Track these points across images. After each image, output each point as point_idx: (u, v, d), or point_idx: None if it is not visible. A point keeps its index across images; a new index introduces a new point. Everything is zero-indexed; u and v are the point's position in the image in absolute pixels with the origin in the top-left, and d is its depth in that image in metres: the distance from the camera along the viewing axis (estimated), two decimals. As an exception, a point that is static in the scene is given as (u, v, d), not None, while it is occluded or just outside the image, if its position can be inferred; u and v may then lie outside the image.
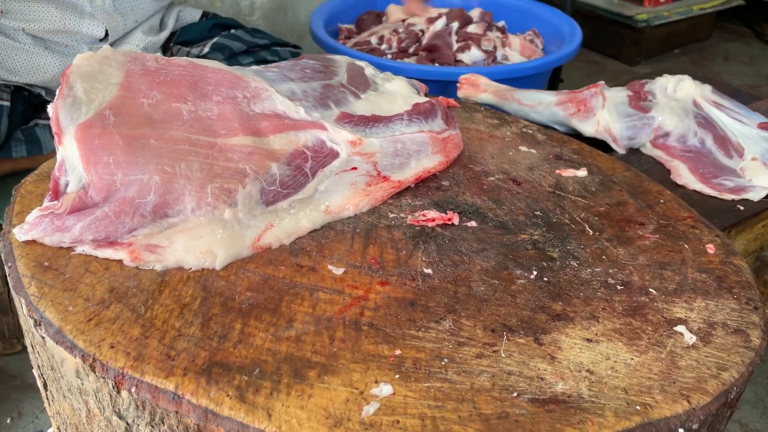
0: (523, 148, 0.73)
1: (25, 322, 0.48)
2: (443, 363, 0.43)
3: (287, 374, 0.42)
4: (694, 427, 0.41)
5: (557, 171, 0.68)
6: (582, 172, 0.68)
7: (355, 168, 0.58)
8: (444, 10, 1.58)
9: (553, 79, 1.73)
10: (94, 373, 0.42)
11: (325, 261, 0.52)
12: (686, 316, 0.49)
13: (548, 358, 0.44)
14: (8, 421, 1.01)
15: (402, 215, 0.58)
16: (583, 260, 0.55)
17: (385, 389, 0.41)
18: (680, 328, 0.48)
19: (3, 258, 0.51)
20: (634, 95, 1.00)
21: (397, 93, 0.68)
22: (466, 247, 0.55)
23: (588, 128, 1.00)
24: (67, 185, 0.52)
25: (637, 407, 0.41)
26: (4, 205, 0.94)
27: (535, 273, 0.53)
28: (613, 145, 0.98)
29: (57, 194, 0.53)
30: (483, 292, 0.50)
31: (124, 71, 0.55)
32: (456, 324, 0.47)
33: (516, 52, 1.47)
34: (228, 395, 0.40)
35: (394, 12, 1.62)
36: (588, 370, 0.44)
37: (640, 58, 2.42)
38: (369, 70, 0.72)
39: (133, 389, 0.41)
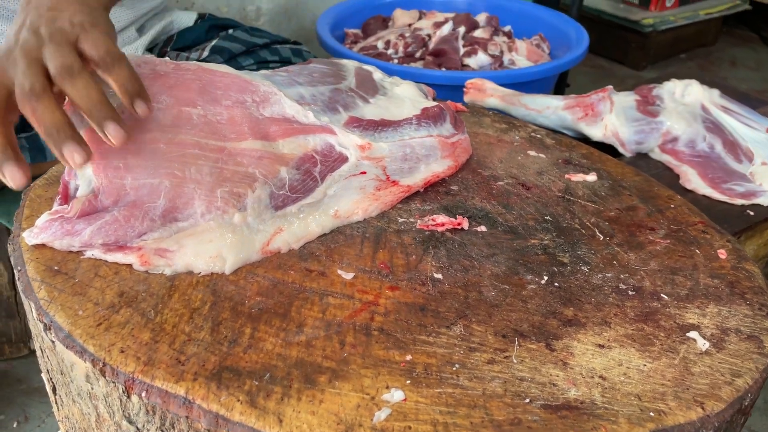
0: (532, 153, 0.73)
1: (35, 326, 0.48)
2: (454, 368, 0.43)
3: (298, 379, 0.41)
4: (709, 434, 0.41)
5: (566, 175, 0.68)
6: (591, 177, 0.68)
7: (364, 172, 0.58)
8: (450, 15, 1.58)
9: (560, 84, 1.73)
10: (104, 377, 0.42)
11: (334, 265, 0.52)
12: (699, 322, 0.49)
13: (560, 364, 0.44)
14: (14, 425, 1.01)
15: (411, 220, 0.58)
16: (594, 265, 0.54)
17: (396, 395, 0.41)
18: (693, 334, 0.48)
19: (13, 262, 0.51)
20: (641, 100, 1.00)
21: (405, 97, 0.68)
22: (476, 252, 0.55)
23: (596, 132, 0.99)
24: (76, 189, 0.52)
25: (651, 414, 0.41)
26: (12, 210, 0.94)
27: (545, 278, 0.52)
28: (621, 150, 0.98)
29: (66, 198, 0.52)
30: (494, 298, 0.50)
31: None
32: (467, 329, 0.46)
33: (522, 56, 1.47)
34: (239, 400, 0.40)
35: (400, 17, 1.62)
36: (600, 376, 0.43)
37: (647, 62, 2.42)
38: (377, 75, 0.72)
39: (143, 394, 0.41)
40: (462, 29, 1.47)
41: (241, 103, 0.56)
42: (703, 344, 0.47)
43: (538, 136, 0.77)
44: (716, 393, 0.43)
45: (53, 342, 0.45)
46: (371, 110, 0.64)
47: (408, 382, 0.42)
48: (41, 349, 0.50)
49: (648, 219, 0.62)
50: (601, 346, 0.46)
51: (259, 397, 0.40)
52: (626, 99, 1.00)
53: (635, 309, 0.50)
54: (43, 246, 0.51)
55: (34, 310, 0.46)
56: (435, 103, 0.68)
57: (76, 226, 0.50)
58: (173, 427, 0.40)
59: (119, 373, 0.41)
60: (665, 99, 0.99)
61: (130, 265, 0.50)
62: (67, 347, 0.43)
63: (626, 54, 2.42)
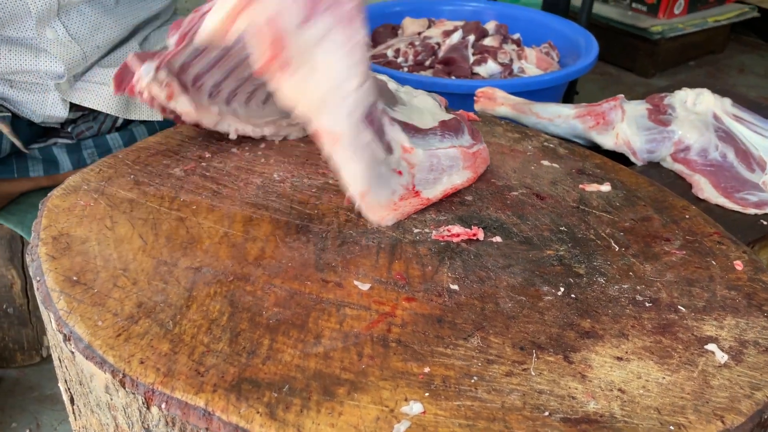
0: (546, 163, 0.73)
1: (54, 336, 0.48)
2: (473, 381, 0.43)
3: (317, 391, 0.41)
4: (729, 448, 0.40)
5: (580, 186, 0.68)
6: (606, 187, 0.68)
7: (400, 172, 0.59)
8: (460, 23, 1.58)
9: (569, 91, 1.73)
10: (124, 388, 0.42)
11: (350, 276, 0.52)
12: (717, 334, 0.49)
13: (579, 376, 0.44)
14: (26, 432, 1.01)
15: (426, 230, 0.58)
16: (610, 276, 0.54)
17: (415, 407, 0.41)
18: (711, 347, 0.47)
19: (32, 272, 0.52)
20: (653, 108, 1.00)
21: (424, 108, 0.68)
22: (491, 263, 0.55)
23: (607, 141, 0.99)
24: None
25: (671, 427, 0.40)
26: (26, 219, 0.95)
27: (562, 289, 0.52)
28: (633, 158, 0.98)
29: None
30: (510, 309, 0.50)
31: None
32: (484, 341, 0.46)
33: (532, 64, 1.47)
34: (258, 412, 0.40)
35: (409, 25, 1.63)
36: (619, 389, 0.43)
37: (655, 70, 2.41)
38: (391, 85, 0.72)
39: (163, 405, 0.41)
40: (471, 37, 1.47)
41: None
42: (721, 357, 0.46)
43: (551, 145, 0.77)
44: (736, 406, 0.43)
45: (73, 353, 0.45)
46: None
47: (427, 394, 0.42)
48: (59, 360, 0.50)
49: (663, 230, 0.62)
50: (620, 359, 0.46)
51: (279, 409, 0.40)
52: (638, 108, 1.00)
53: (652, 321, 0.50)
54: (61, 256, 0.51)
55: (53, 321, 0.47)
56: (452, 115, 0.68)
57: None
58: (193, 439, 0.41)
59: (139, 385, 0.42)
60: (677, 108, 0.99)
61: (147, 275, 0.50)
62: (86, 358, 0.44)
63: (635, 61, 2.42)
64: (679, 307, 0.51)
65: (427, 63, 1.46)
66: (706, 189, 0.89)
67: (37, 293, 0.50)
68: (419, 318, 0.48)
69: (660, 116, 0.98)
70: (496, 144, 0.76)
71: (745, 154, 0.93)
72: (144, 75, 0.61)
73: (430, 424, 0.40)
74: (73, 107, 0.95)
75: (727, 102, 1.00)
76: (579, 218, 0.62)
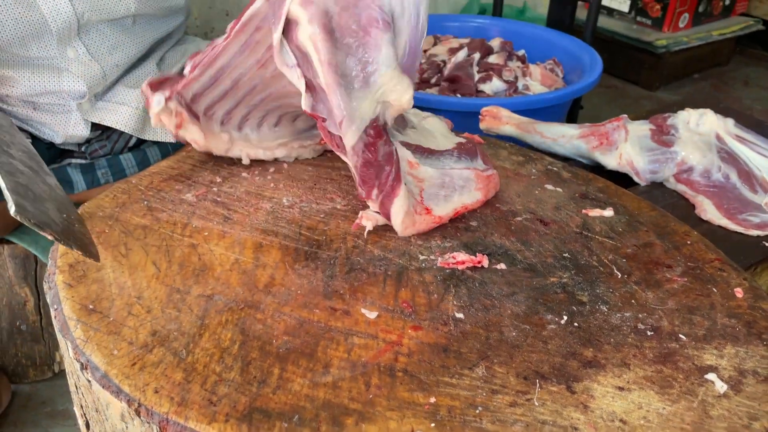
0: (549, 187, 0.74)
1: (71, 364, 0.50)
2: (477, 411, 0.44)
3: (326, 421, 0.43)
4: (728, 479, 0.41)
5: (584, 210, 0.69)
6: (608, 212, 0.69)
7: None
8: (465, 41, 1.60)
9: (574, 106, 1.75)
10: (139, 417, 0.43)
11: (358, 304, 0.53)
12: (717, 363, 0.50)
13: (581, 407, 0.45)
14: (38, 447, 1.03)
15: (432, 257, 0.59)
16: (613, 304, 0.55)
17: (421, 438, 0.42)
18: (711, 376, 0.48)
19: (49, 301, 0.53)
20: (656, 129, 1.01)
21: (435, 130, 0.70)
22: (496, 291, 0.56)
23: (610, 161, 1.00)
24: None
25: (671, 458, 0.41)
26: (40, 238, 0.97)
27: (565, 318, 0.53)
28: (636, 178, 0.99)
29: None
30: (514, 338, 0.51)
31: None
32: (489, 371, 0.47)
33: (537, 81, 1.49)
34: (269, 442, 0.41)
35: (415, 41, 1.65)
36: (621, 420, 0.44)
37: (660, 83, 2.42)
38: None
39: (177, 435, 0.42)
40: (477, 55, 1.49)
41: None
42: (721, 387, 0.47)
43: (555, 169, 0.78)
44: (735, 437, 0.44)
45: (90, 381, 0.46)
46: (406, 141, 0.67)
47: (432, 425, 0.43)
48: (76, 386, 0.51)
49: (665, 256, 0.63)
50: (621, 389, 0.47)
51: (289, 439, 0.41)
52: (641, 128, 1.01)
53: (654, 350, 0.51)
54: (77, 284, 0.53)
55: (71, 350, 0.48)
56: (464, 138, 0.70)
57: None
58: (206, 468, 0.42)
59: (154, 414, 0.43)
60: (680, 128, 1.00)
61: (161, 303, 0.51)
62: (103, 387, 0.45)
63: (640, 74, 2.43)
64: (680, 335, 0.53)
65: (433, 80, 1.48)
66: (709, 210, 0.90)
67: (54, 321, 0.51)
68: (425, 347, 0.49)
69: (663, 137, 1.00)
70: (501, 167, 0.77)
71: (747, 176, 0.94)
72: (155, 105, 0.63)
73: (436, 454, 0.41)
74: (91, 127, 0.98)
75: (730, 123, 1.01)
76: (582, 244, 0.64)
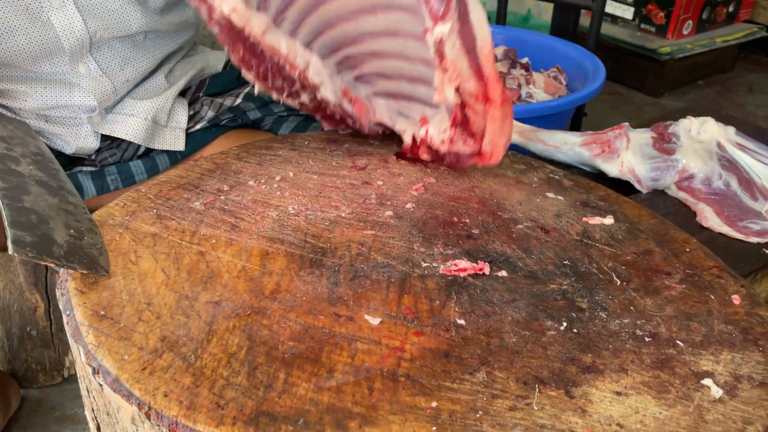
0: (550, 195, 0.75)
1: (83, 368, 0.51)
2: (478, 415, 0.45)
3: (330, 425, 0.44)
4: (722, 482, 0.42)
5: (584, 218, 0.70)
6: (609, 220, 0.70)
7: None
8: (469, 48, 1.61)
9: (577, 113, 1.76)
10: (150, 420, 0.45)
11: (361, 310, 0.55)
12: (713, 369, 0.51)
13: (579, 411, 0.46)
14: (47, 451, 1.04)
15: (434, 264, 0.61)
16: (612, 311, 0.57)
17: (423, 441, 0.43)
18: (707, 381, 0.50)
19: (62, 307, 0.55)
20: (657, 137, 1.02)
21: None
22: (497, 298, 0.57)
23: (612, 169, 1.02)
24: None
25: (666, 462, 0.43)
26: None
27: (564, 324, 0.54)
28: (637, 186, 1.00)
29: None
30: (515, 344, 0.52)
31: None
32: (489, 376, 0.49)
33: (540, 89, 1.50)
34: (275, 445, 0.42)
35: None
36: (618, 424, 0.45)
37: (664, 90, 2.43)
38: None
39: (186, 437, 0.43)
40: (480, 63, 1.50)
41: None
42: (716, 391, 0.49)
43: (556, 177, 0.80)
44: (730, 441, 0.45)
45: (101, 385, 0.48)
46: None
47: (434, 428, 0.44)
48: (87, 390, 0.53)
49: (664, 263, 0.64)
50: (619, 394, 0.48)
51: (295, 441, 0.43)
52: (642, 136, 1.03)
53: (651, 356, 0.52)
54: (89, 290, 0.54)
55: (83, 355, 0.50)
56: None
57: None
58: (214, 469, 0.43)
59: (163, 417, 0.44)
60: (681, 136, 1.02)
61: (170, 309, 0.53)
62: (114, 391, 0.47)
63: (643, 81, 2.44)
64: (678, 341, 0.54)
65: (437, 88, 1.49)
66: (709, 217, 0.91)
67: (66, 327, 0.53)
68: (427, 352, 0.51)
69: (664, 145, 1.01)
70: (502, 176, 0.78)
71: (748, 183, 0.95)
72: None
73: (437, 457, 0.42)
74: (101, 137, 0.99)
75: (731, 130, 1.02)
76: (582, 252, 0.65)
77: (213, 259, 0.60)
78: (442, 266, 0.60)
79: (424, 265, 0.61)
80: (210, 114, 1.05)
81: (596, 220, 0.70)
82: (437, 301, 0.56)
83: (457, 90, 0.65)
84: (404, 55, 0.72)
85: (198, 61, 1.09)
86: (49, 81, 0.92)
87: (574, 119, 1.74)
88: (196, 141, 1.05)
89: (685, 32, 2.42)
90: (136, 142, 0.98)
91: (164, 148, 1.02)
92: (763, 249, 0.85)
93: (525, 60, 1.63)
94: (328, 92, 0.74)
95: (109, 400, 0.48)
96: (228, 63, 1.14)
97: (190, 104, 1.07)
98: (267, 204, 0.69)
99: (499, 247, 0.64)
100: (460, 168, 0.71)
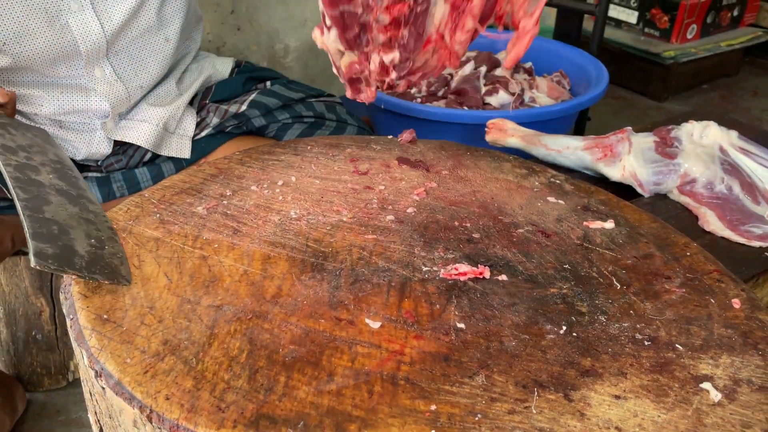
0: (551, 199, 0.75)
1: (86, 372, 0.52)
2: (476, 419, 0.45)
3: (330, 428, 0.44)
4: (721, 485, 0.42)
5: (585, 223, 0.71)
6: (609, 224, 0.70)
7: None
8: (472, 54, 1.62)
9: (581, 118, 1.76)
10: (151, 423, 0.45)
11: (362, 314, 0.55)
12: (712, 373, 0.51)
13: (578, 414, 0.46)
14: (52, 455, 1.05)
15: (435, 268, 0.61)
16: (611, 315, 0.57)
17: (421, 444, 0.43)
18: (706, 385, 0.50)
19: (65, 311, 0.55)
20: (660, 141, 1.02)
21: None
22: (497, 302, 0.57)
23: (614, 173, 1.02)
24: None
25: (664, 465, 0.43)
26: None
27: (564, 328, 0.55)
28: (639, 190, 1.00)
29: None
30: (514, 348, 0.52)
31: None
32: (488, 379, 0.49)
33: (543, 93, 1.50)
34: (275, 447, 0.43)
35: (423, 55, 1.67)
36: (616, 428, 0.45)
37: (668, 94, 2.43)
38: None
39: (187, 440, 0.44)
40: (483, 68, 1.51)
41: None
42: (715, 395, 0.49)
43: (557, 181, 0.80)
44: (728, 444, 0.45)
45: (104, 388, 0.48)
46: None
47: (433, 431, 0.44)
48: (90, 393, 0.53)
49: (664, 267, 0.64)
50: (618, 397, 0.48)
51: (294, 444, 0.43)
52: (644, 140, 1.03)
53: (651, 359, 0.52)
54: (92, 294, 0.55)
55: (86, 358, 0.50)
56: None
57: None
58: (214, 472, 0.44)
59: (165, 420, 0.45)
60: (683, 140, 1.02)
61: (172, 313, 0.53)
62: (116, 394, 0.47)
63: (648, 85, 2.44)
64: (677, 345, 0.54)
65: (440, 93, 1.50)
66: (712, 221, 0.91)
67: (70, 331, 0.53)
68: (427, 356, 0.51)
69: (666, 149, 1.01)
70: (504, 180, 0.79)
71: (750, 187, 0.95)
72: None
73: (436, 460, 0.42)
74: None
75: (734, 134, 1.02)
76: (582, 256, 0.65)
77: (215, 263, 0.61)
78: (442, 270, 0.61)
79: (424, 269, 0.61)
80: (215, 120, 1.06)
81: (597, 224, 0.70)
82: (437, 305, 0.56)
83: None
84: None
85: (206, 68, 1.10)
86: (65, 86, 0.94)
87: (578, 123, 1.74)
88: (201, 148, 1.06)
89: (689, 36, 2.42)
90: (145, 146, 0.99)
91: (170, 155, 1.03)
92: (766, 253, 0.85)
93: (528, 64, 1.64)
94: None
95: (112, 403, 0.48)
96: (234, 70, 1.15)
97: (197, 112, 1.08)
98: (269, 209, 0.70)
99: (500, 251, 0.64)
100: None
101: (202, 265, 0.60)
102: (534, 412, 0.46)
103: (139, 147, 1.03)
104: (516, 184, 0.78)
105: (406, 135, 0.88)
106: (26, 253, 1.01)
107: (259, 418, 0.45)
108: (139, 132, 0.99)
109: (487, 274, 0.60)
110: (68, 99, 0.94)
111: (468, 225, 0.68)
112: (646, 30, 2.46)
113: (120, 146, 1.03)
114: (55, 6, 0.86)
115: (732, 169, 0.98)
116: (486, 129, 1.11)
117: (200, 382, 0.48)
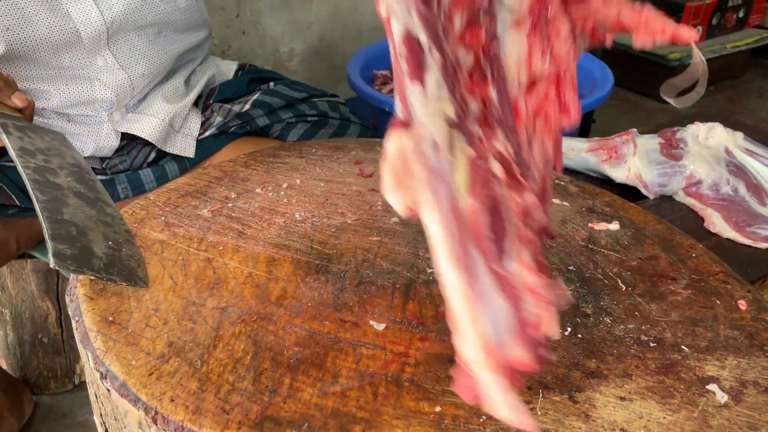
0: (556, 201, 0.75)
1: (91, 374, 0.52)
2: (481, 420, 0.45)
3: (334, 429, 0.44)
4: (727, 487, 0.42)
5: (590, 224, 0.71)
6: (614, 226, 0.70)
7: None
8: (476, 56, 1.62)
9: (586, 120, 1.75)
10: (156, 425, 0.45)
11: (366, 316, 0.55)
12: (718, 374, 0.51)
13: (583, 416, 0.46)
14: (58, 458, 1.05)
15: (439, 270, 0.61)
16: (616, 316, 0.57)
17: (426, 445, 0.43)
18: (712, 387, 0.49)
19: (71, 313, 0.55)
20: (665, 143, 1.02)
21: None
22: (501, 303, 0.57)
23: (619, 175, 1.02)
24: None
25: (670, 467, 0.42)
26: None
27: (569, 329, 0.55)
28: (645, 192, 1.00)
29: None
30: (518, 349, 0.52)
31: None
32: (493, 381, 0.49)
33: (548, 96, 1.50)
34: (279, 449, 0.43)
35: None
36: (622, 429, 0.45)
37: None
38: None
39: (191, 441, 0.44)
40: (488, 70, 1.51)
41: None
42: (721, 397, 0.48)
43: (562, 183, 0.80)
44: (735, 446, 0.44)
45: (109, 390, 0.48)
46: None
47: (437, 432, 0.44)
48: (96, 395, 0.54)
49: (670, 269, 0.64)
50: (623, 399, 0.48)
51: (299, 446, 0.43)
52: (650, 142, 1.03)
53: (656, 361, 0.52)
54: (98, 297, 0.55)
55: (91, 360, 0.50)
56: None
57: None
58: (219, 473, 0.44)
59: (170, 422, 0.45)
60: (689, 142, 1.01)
61: (177, 315, 0.54)
62: (121, 396, 0.47)
63: (653, 87, 2.43)
64: (683, 347, 0.54)
65: (445, 95, 1.50)
66: (717, 223, 0.91)
67: (75, 333, 0.54)
68: (431, 358, 0.51)
69: (672, 150, 1.01)
70: (509, 182, 0.79)
71: (756, 188, 0.95)
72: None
73: (440, 461, 0.42)
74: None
75: (739, 136, 1.02)
76: (587, 257, 0.65)
77: (220, 265, 0.61)
78: (447, 272, 0.61)
79: (429, 270, 0.61)
80: (219, 120, 1.06)
81: (602, 226, 0.70)
82: (442, 307, 0.56)
83: None
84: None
85: (210, 68, 1.11)
86: (70, 77, 0.95)
87: (583, 126, 1.73)
88: (205, 149, 1.06)
89: (694, 38, 2.42)
90: (152, 141, 1.00)
91: (175, 153, 1.03)
92: (772, 254, 0.85)
93: (533, 67, 1.64)
94: None
95: (117, 405, 0.48)
96: (238, 71, 1.16)
97: (202, 112, 1.09)
98: (274, 211, 0.70)
99: (504, 253, 0.64)
100: None
101: (207, 268, 0.60)
102: (539, 413, 0.46)
103: (142, 147, 1.03)
104: (520, 185, 0.78)
105: (411, 137, 0.88)
106: (32, 256, 1.02)
107: (263, 419, 0.45)
108: (146, 125, 1.00)
109: (491, 276, 0.60)
110: (73, 90, 0.96)
111: (472, 227, 0.68)
112: (651, 32, 2.46)
113: (124, 146, 1.04)
114: None
115: (738, 170, 0.97)
116: (490, 131, 1.11)
117: (205, 383, 0.48)
